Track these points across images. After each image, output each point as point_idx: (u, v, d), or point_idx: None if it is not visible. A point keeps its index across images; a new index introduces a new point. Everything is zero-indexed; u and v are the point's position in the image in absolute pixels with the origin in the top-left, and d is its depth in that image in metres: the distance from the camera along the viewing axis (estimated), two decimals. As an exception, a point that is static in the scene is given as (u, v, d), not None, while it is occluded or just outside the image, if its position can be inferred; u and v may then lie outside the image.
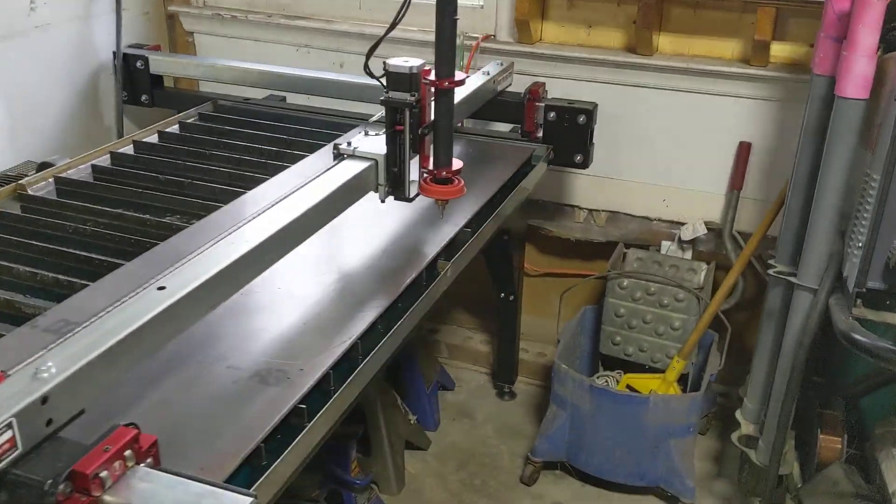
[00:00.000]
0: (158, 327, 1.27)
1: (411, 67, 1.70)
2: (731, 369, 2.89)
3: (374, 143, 1.78)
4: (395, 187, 1.78)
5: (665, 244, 2.99)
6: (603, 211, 3.12)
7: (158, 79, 3.19)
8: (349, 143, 1.78)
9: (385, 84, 1.71)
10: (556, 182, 3.07)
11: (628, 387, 2.83)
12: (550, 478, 2.87)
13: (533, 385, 3.35)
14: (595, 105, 2.67)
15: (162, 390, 1.43)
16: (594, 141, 2.71)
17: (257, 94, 3.13)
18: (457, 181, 1.80)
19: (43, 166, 2.57)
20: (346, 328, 1.64)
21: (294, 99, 3.13)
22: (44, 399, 1.07)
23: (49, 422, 1.08)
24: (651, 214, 3.04)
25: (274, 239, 1.49)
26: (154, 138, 2.71)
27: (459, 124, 2.79)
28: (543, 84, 2.71)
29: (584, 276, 3.23)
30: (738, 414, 2.56)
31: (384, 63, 1.72)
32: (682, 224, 2.96)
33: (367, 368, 1.60)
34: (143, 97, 3.19)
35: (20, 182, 2.29)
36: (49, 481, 1.00)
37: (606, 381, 2.92)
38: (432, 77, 1.71)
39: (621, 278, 2.85)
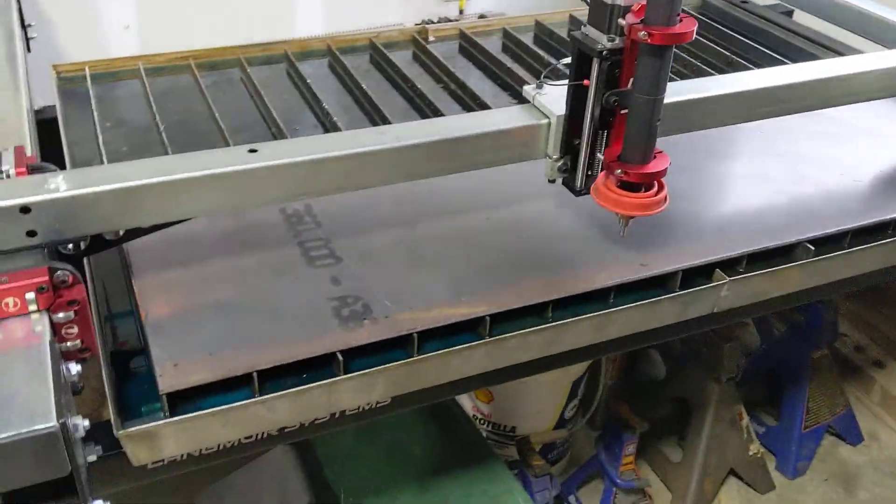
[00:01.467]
0: (194, 188, 1.09)
1: None
2: None
3: (563, 95, 1.20)
4: (572, 166, 1.22)
5: None
6: None
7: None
8: (540, 85, 1.24)
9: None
10: None
11: None
12: None
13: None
14: None
15: (226, 271, 1.29)
16: None
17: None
18: (654, 189, 1.15)
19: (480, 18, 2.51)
20: (497, 290, 1.25)
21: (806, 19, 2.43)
22: (24, 208, 1.00)
23: (31, 233, 1.02)
24: None
25: (368, 157, 1.14)
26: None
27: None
28: None
29: None
30: None
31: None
32: None
33: (480, 355, 1.21)
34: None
35: (426, 25, 2.25)
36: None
37: None
38: (637, 19, 1.05)
39: None
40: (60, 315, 1.00)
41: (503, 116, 1.22)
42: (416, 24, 2.44)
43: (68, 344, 1.02)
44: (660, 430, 2.37)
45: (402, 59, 2.13)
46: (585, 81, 1.14)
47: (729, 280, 1.34)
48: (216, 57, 2.05)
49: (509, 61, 2.11)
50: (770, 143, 1.73)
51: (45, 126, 1.70)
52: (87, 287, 1.25)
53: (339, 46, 2.13)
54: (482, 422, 2.30)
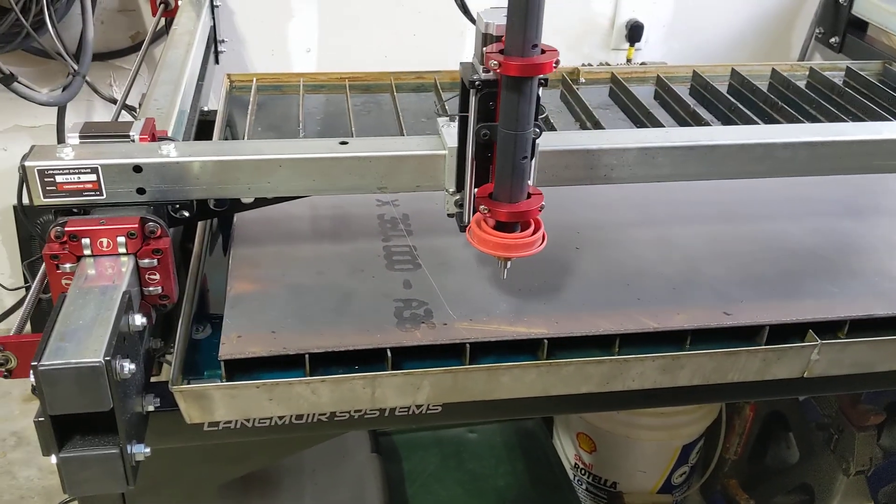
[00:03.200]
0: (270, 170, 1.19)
1: (488, 23, 1.03)
2: None
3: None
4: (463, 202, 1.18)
5: None
6: None
7: (860, 24, 2.64)
8: (454, 117, 1.19)
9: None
10: None
11: None
12: None
13: None
14: None
15: (312, 259, 1.36)
16: None
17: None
18: (529, 229, 1.10)
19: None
20: (564, 316, 1.24)
21: None
22: (136, 167, 1.14)
23: (141, 190, 1.15)
24: None
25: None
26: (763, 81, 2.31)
27: None
28: None
29: None
30: None
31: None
32: None
33: (533, 377, 1.20)
34: (833, 39, 2.70)
35: (580, 67, 2.27)
36: (63, 219, 1.11)
37: None
38: (498, 48, 1.01)
39: None
40: (145, 261, 1.12)
41: (409, 143, 1.23)
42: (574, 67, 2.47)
43: (150, 289, 1.14)
44: (780, 518, 2.18)
45: (549, 96, 2.16)
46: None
47: (821, 343, 1.23)
48: (370, 80, 2.18)
49: (656, 107, 2.08)
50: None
51: (211, 125, 1.89)
52: (201, 247, 1.40)
53: (488, 80, 2.19)
54: (583, 471, 2.23)
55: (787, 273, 1.37)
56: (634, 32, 2.74)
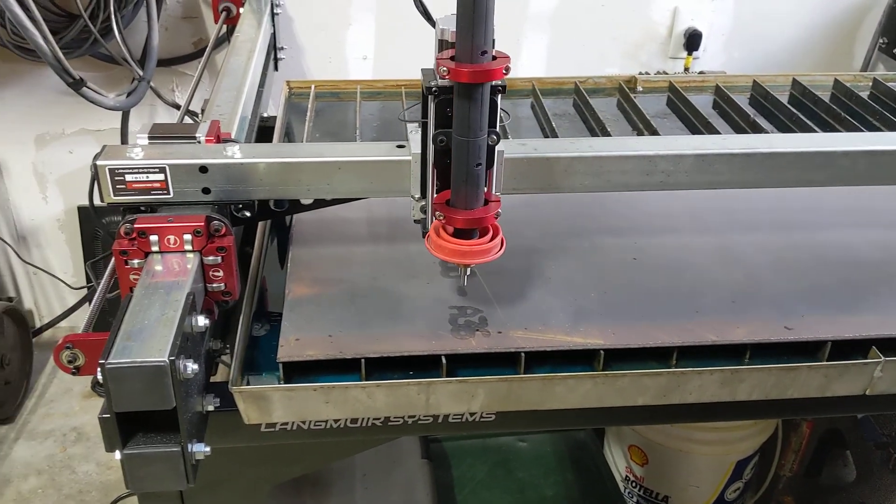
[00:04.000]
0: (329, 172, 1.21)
1: (444, 30, 1.04)
2: None
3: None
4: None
5: None
6: None
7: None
8: (423, 124, 1.18)
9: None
10: None
11: None
12: None
13: None
14: None
15: (368, 263, 1.38)
16: None
17: None
18: (487, 235, 1.10)
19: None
20: (622, 327, 1.23)
21: None
22: (202, 168, 1.17)
23: (206, 190, 1.18)
24: None
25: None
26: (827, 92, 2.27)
27: None
28: None
29: None
30: None
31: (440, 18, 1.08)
32: None
33: (587, 388, 1.19)
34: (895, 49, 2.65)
35: (637, 75, 2.25)
36: (132, 216, 1.14)
37: None
38: (450, 55, 1.01)
39: None
40: (210, 258, 1.15)
41: (376, 149, 1.23)
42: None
43: (214, 285, 1.17)
44: (837, 538, 2.13)
45: (605, 105, 2.15)
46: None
47: (884, 360, 1.20)
48: (426, 87, 2.19)
49: (714, 117, 2.05)
50: None
51: (271, 131, 1.93)
52: (260, 249, 1.43)
53: (544, 88, 2.19)
54: (634, 484, 2.21)
55: (850, 286, 1.34)
56: (692, 41, 2.72)
